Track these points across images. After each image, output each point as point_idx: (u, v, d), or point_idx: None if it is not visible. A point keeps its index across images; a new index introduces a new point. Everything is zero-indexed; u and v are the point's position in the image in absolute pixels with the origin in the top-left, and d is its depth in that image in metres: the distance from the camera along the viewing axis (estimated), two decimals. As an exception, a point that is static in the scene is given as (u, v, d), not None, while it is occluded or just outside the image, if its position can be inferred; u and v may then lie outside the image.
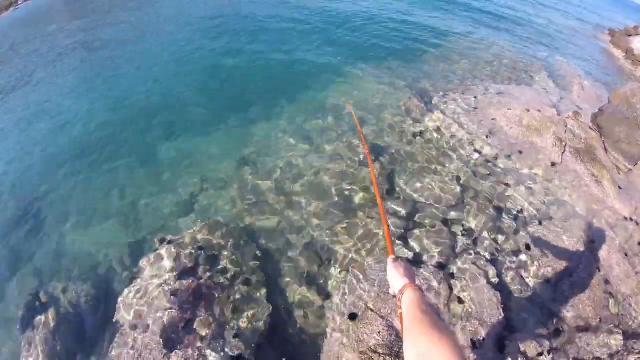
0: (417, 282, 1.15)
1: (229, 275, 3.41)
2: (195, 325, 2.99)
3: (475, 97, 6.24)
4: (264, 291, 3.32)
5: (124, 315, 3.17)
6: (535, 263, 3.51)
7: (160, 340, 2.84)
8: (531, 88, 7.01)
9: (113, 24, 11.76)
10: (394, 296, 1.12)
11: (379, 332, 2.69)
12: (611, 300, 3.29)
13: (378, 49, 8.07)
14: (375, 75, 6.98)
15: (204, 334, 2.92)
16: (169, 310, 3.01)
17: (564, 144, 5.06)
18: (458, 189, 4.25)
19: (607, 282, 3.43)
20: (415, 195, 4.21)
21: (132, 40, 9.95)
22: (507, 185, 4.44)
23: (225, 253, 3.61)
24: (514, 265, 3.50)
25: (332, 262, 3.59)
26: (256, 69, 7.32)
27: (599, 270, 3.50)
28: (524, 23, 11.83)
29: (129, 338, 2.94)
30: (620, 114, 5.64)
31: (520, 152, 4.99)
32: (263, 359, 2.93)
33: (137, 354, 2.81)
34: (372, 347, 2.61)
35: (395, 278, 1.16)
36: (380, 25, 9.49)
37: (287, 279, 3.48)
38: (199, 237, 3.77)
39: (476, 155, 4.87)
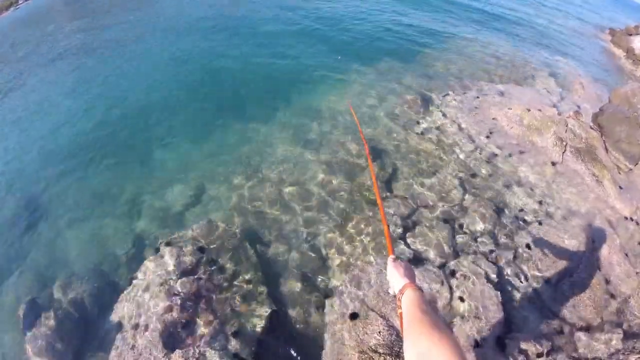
0: (417, 282, 1.15)
1: (229, 275, 3.41)
2: (195, 325, 2.99)
3: (475, 97, 6.24)
4: (264, 291, 3.32)
5: (124, 314, 3.18)
6: (536, 263, 3.51)
7: (161, 339, 2.84)
8: (532, 88, 7.00)
9: (113, 24, 11.76)
10: (394, 296, 1.12)
11: (379, 332, 2.69)
12: (611, 300, 3.29)
13: (378, 50, 8.06)
14: (375, 76, 6.98)
15: (204, 333, 2.93)
16: (170, 310, 3.01)
17: (564, 143, 5.06)
18: (458, 188, 4.25)
19: (607, 281, 3.43)
20: (415, 195, 4.21)
21: (132, 40, 9.95)
22: (507, 185, 4.44)
23: (226, 253, 3.61)
24: (514, 265, 3.50)
25: (332, 261, 3.59)
26: (255, 70, 7.31)
27: (599, 270, 3.50)
28: (524, 23, 11.81)
29: (129, 337, 2.94)
30: (621, 113, 5.63)
31: (521, 152, 4.99)
32: (263, 358, 2.93)
33: (138, 353, 2.81)
34: (373, 347, 2.61)
35: (395, 278, 1.16)
36: (380, 26, 9.48)
37: (287, 279, 3.48)
38: (199, 237, 3.77)
39: (476, 155, 4.87)
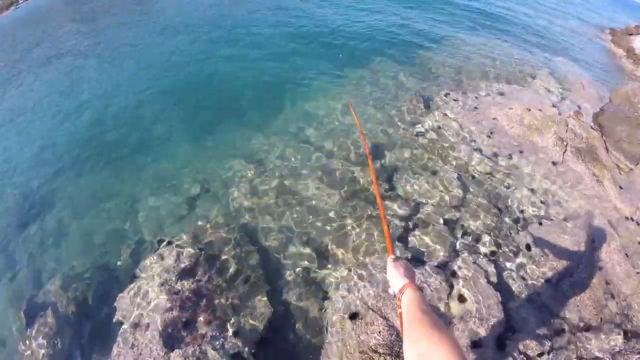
0: (416, 282, 1.15)
1: (228, 275, 3.42)
2: (195, 324, 2.99)
3: (476, 97, 6.23)
4: (263, 290, 3.32)
5: (124, 314, 3.18)
6: (536, 263, 3.51)
7: (161, 339, 2.84)
8: (532, 87, 6.99)
9: (112, 25, 11.78)
10: (394, 296, 1.12)
11: (379, 332, 2.69)
12: (612, 300, 3.29)
13: (378, 50, 8.05)
14: (375, 76, 6.97)
15: (204, 333, 2.93)
16: (170, 310, 3.01)
17: (564, 143, 5.06)
18: (458, 188, 4.24)
19: (607, 282, 3.42)
20: (415, 195, 4.21)
21: (131, 40, 9.95)
22: (507, 185, 4.44)
23: (225, 253, 3.61)
24: (514, 265, 3.50)
25: (332, 261, 3.59)
26: (254, 70, 7.31)
27: (600, 270, 3.49)
28: (524, 23, 11.79)
29: (129, 337, 2.94)
30: (622, 113, 5.63)
31: (521, 152, 4.99)
32: (263, 358, 2.93)
33: (138, 353, 2.81)
34: (373, 347, 2.61)
35: (395, 278, 1.16)
36: (379, 26, 9.47)
37: (287, 279, 3.48)
38: (199, 237, 3.77)
39: (477, 155, 4.86)
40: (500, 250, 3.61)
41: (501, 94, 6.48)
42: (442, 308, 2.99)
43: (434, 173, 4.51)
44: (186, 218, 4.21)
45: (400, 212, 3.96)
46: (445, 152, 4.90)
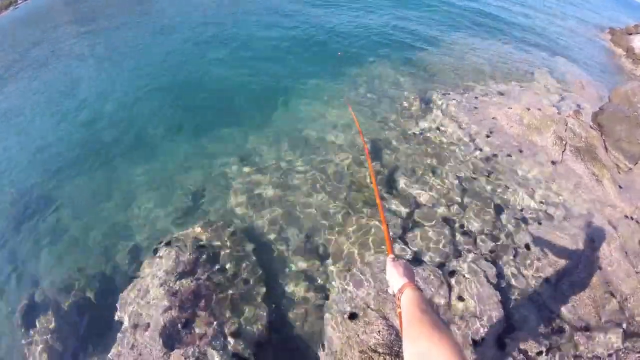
0: (416, 282, 1.15)
1: (228, 275, 3.41)
2: (195, 325, 2.99)
3: (475, 97, 6.23)
4: (263, 290, 3.32)
5: (124, 314, 3.18)
6: (535, 262, 3.51)
7: (161, 339, 2.84)
8: (532, 87, 6.99)
9: (112, 25, 11.76)
10: (394, 295, 1.12)
11: (378, 332, 2.69)
12: (611, 300, 3.29)
13: (377, 50, 8.05)
14: (374, 76, 6.97)
15: (203, 333, 2.93)
16: (169, 310, 3.01)
17: (564, 142, 5.06)
18: (458, 188, 4.25)
19: (607, 281, 3.43)
20: (414, 195, 4.20)
21: (130, 41, 9.95)
22: (507, 184, 4.44)
23: (225, 253, 3.61)
24: (514, 265, 3.50)
25: (332, 261, 3.59)
26: (253, 70, 7.31)
27: (599, 270, 3.50)
28: (524, 23, 11.80)
29: (129, 337, 2.94)
30: (621, 112, 5.64)
31: (521, 151, 4.99)
32: (263, 358, 2.93)
33: (138, 353, 2.81)
34: (372, 347, 2.61)
35: (395, 277, 1.16)
36: (378, 27, 9.47)
37: (287, 278, 3.48)
38: (199, 237, 3.77)
39: (476, 154, 4.86)
40: (500, 250, 3.61)
41: (500, 93, 6.48)
42: (441, 308, 2.99)
43: (434, 172, 4.51)
44: (185, 218, 4.21)
45: (400, 211, 3.96)
46: (444, 152, 4.90)
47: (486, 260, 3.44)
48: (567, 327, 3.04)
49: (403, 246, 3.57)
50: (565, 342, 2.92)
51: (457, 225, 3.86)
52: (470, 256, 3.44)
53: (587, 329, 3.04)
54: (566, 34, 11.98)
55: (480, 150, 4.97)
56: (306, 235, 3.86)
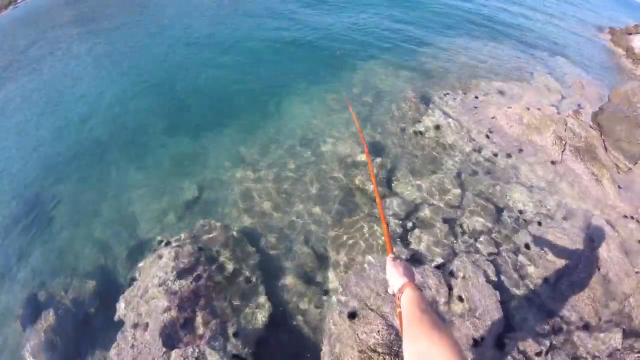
0: (416, 281, 1.14)
1: (228, 275, 3.41)
2: (194, 324, 2.99)
3: (475, 97, 6.23)
4: (263, 290, 3.32)
5: (124, 314, 3.18)
6: (535, 262, 3.51)
7: (160, 338, 2.84)
8: (531, 87, 6.99)
9: (111, 25, 11.74)
10: (393, 295, 1.12)
11: (378, 331, 2.69)
12: (611, 299, 3.29)
13: (377, 51, 8.04)
14: (375, 75, 6.96)
15: (203, 332, 2.93)
16: (169, 309, 3.01)
17: (563, 142, 5.06)
18: (458, 188, 4.24)
19: (606, 281, 3.43)
20: (414, 195, 4.20)
21: (130, 40, 9.93)
22: (507, 184, 4.44)
23: (225, 253, 3.61)
24: (513, 265, 3.50)
25: (331, 261, 3.59)
26: (253, 71, 7.31)
27: (599, 269, 3.50)
28: (523, 23, 11.79)
29: (129, 336, 2.94)
30: (621, 112, 5.64)
31: (520, 151, 4.99)
32: (262, 357, 2.93)
33: (137, 352, 2.81)
34: (372, 346, 2.61)
35: (395, 277, 1.16)
36: (379, 27, 9.46)
37: (287, 278, 3.48)
38: (198, 237, 3.77)
39: (476, 154, 4.86)
40: (500, 250, 3.62)
41: (500, 93, 6.47)
42: (441, 307, 2.99)
43: (434, 172, 4.51)
44: (185, 218, 4.21)
45: (400, 211, 3.95)
46: (444, 151, 4.90)
47: (486, 260, 3.44)
48: (566, 327, 3.04)
49: (403, 246, 3.56)
50: (565, 342, 2.92)
51: (457, 225, 3.86)
52: (470, 256, 3.44)
53: (586, 328, 3.05)
54: (566, 34, 11.97)
55: (480, 149, 4.97)
56: (305, 236, 3.85)
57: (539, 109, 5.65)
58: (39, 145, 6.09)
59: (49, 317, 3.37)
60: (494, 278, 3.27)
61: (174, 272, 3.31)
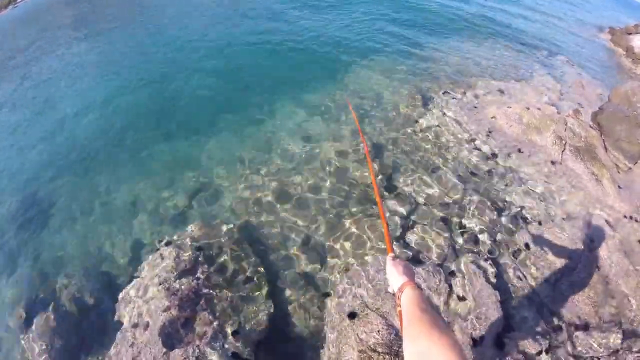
0: (416, 281, 1.15)
1: (228, 275, 3.41)
2: (195, 324, 2.99)
3: (475, 96, 6.23)
4: (263, 290, 3.32)
5: (124, 313, 3.18)
6: (535, 262, 3.51)
7: (160, 338, 2.84)
8: (531, 86, 6.99)
9: (111, 26, 11.74)
10: (393, 294, 1.12)
11: (378, 331, 2.69)
12: (610, 299, 3.30)
13: (377, 50, 8.04)
14: (374, 75, 6.96)
15: (203, 332, 2.93)
16: (169, 309, 3.01)
17: (563, 142, 5.06)
18: (457, 187, 4.25)
19: (606, 280, 3.43)
20: (414, 194, 4.21)
21: (129, 40, 9.93)
22: (506, 183, 4.44)
23: (225, 253, 3.61)
24: (513, 264, 3.50)
25: (332, 260, 3.59)
26: (253, 70, 7.31)
27: (598, 269, 3.50)
28: (523, 23, 11.79)
29: (129, 336, 2.94)
30: (621, 112, 5.64)
31: (520, 151, 4.99)
32: (262, 357, 2.93)
33: (137, 352, 2.81)
34: (372, 346, 2.61)
35: (394, 276, 1.16)
36: (379, 26, 9.46)
37: (287, 278, 3.48)
38: (199, 237, 3.77)
39: (476, 154, 4.86)
40: (499, 250, 3.62)
41: (500, 92, 6.47)
42: (441, 307, 2.99)
43: (433, 172, 4.51)
44: (185, 218, 4.21)
45: (400, 210, 3.96)
46: (444, 151, 4.90)
47: (486, 260, 3.44)
48: (566, 327, 3.05)
49: (403, 245, 3.57)
50: (564, 341, 2.93)
51: (456, 224, 3.86)
52: (470, 256, 3.45)
53: (586, 328, 3.05)
54: (566, 33, 11.98)
55: (480, 149, 4.97)
56: (305, 235, 3.86)
57: (539, 109, 5.65)
58: (37, 144, 6.09)
59: (49, 317, 3.37)
60: (493, 278, 3.27)
61: (174, 272, 3.31)
